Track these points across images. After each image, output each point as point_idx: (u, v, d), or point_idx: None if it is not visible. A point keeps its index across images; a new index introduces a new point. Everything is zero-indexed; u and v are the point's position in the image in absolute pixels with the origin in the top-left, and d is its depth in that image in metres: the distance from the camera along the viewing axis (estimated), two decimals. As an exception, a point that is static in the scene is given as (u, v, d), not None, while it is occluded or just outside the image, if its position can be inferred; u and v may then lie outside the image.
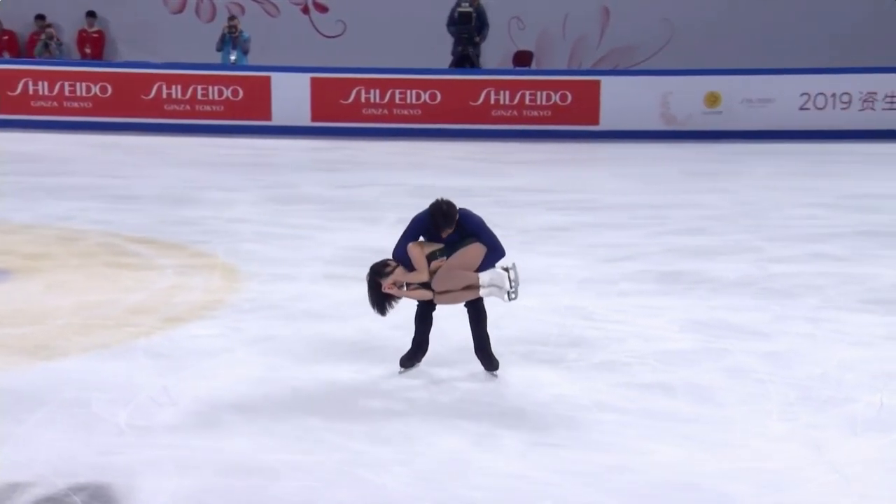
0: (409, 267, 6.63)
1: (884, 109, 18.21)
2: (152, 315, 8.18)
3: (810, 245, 10.07)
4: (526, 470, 5.42)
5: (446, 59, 20.19)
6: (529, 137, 18.48)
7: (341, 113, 19.07)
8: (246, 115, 19.14)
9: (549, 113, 18.82)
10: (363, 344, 7.47)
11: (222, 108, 19.25)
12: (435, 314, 6.79)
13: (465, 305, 6.69)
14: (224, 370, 6.96)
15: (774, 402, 6.16)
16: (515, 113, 18.86)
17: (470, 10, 19.38)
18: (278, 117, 19.15)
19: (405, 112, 19.02)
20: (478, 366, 6.76)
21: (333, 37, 23.33)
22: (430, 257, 6.62)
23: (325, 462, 5.54)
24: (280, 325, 7.92)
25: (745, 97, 18.43)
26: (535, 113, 18.83)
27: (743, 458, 5.45)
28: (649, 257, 9.81)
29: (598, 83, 18.89)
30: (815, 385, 6.44)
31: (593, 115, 18.77)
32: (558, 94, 18.79)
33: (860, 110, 18.24)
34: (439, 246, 6.64)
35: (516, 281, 6.61)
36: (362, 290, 8.79)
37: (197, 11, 23.36)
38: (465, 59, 19.72)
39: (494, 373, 6.73)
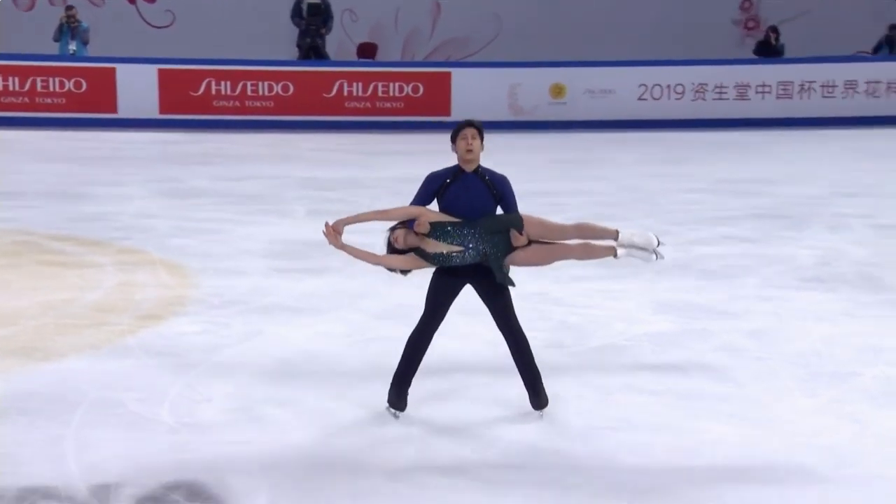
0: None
1: (714, 99, 19.41)
2: (123, 313, 8.05)
3: (715, 228, 10.75)
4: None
5: (280, 51, 20.23)
6: (384, 129, 18.73)
7: (191, 105, 18.80)
8: (90, 107, 18.61)
9: (402, 104, 19.14)
10: (357, 335, 7.64)
11: (64, 100, 18.65)
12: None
13: (501, 331, 5.92)
14: (238, 365, 6.98)
15: (788, 379, 6.57)
16: (369, 104, 19.09)
17: (319, 1, 19.46)
18: (125, 109, 18.72)
19: (258, 104, 18.95)
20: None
21: (162, 27, 22.91)
22: (439, 235, 5.72)
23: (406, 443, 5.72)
24: (262, 319, 7.94)
25: (587, 88, 19.26)
26: (388, 104, 19.11)
27: (797, 433, 5.76)
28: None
29: (448, 75, 19.34)
30: (812, 361, 6.90)
31: (445, 107, 19.20)
32: (410, 86, 19.13)
33: (692, 100, 19.38)
34: (452, 220, 5.75)
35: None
36: (319, 282, 9.05)
37: (15, 0, 22.47)
38: (312, 50, 19.79)
39: (541, 413, 5.95)
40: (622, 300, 8.31)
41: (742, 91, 19.28)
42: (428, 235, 5.72)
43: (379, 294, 8.49)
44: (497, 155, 16.02)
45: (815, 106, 19.16)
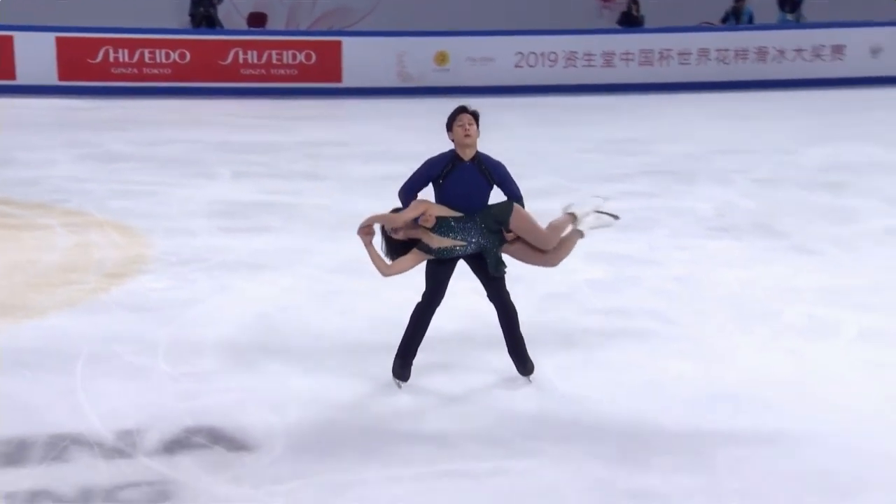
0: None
1: (583, 66, 19.88)
2: (87, 272, 8.08)
3: (614, 185, 11.12)
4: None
5: (173, 20, 19.92)
6: (279, 95, 18.64)
7: (90, 72, 18.35)
8: (-14, 74, 17.99)
9: (296, 72, 19.06)
10: (320, 288, 7.82)
11: (-38, 67, 17.98)
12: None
13: (492, 302, 5.92)
14: (217, 319, 7.10)
15: (724, 320, 7.02)
16: (263, 72, 18.95)
17: (214, -28, 19.22)
18: (23, 76, 18.16)
19: (155, 71, 18.60)
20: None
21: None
22: (443, 230, 5.66)
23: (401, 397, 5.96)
24: (225, 275, 8.07)
25: (469, 56, 19.53)
26: (282, 72, 19.01)
27: (750, 368, 6.18)
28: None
29: (339, 43, 19.34)
30: (739, 302, 7.37)
31: (336, 74, 19.24)
32: (303, 54, 19.04)
33: (564, 67, 19.83)
34: (455, 214, 5.68)
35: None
36: (265, 239, 9.15)
37: None
38: (205, 19, 19.54)
39: (529, 378, 6.00)
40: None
41: (608, 58, 19.77)
42: (432, 230, 5.64)
43: (325, 251, 8.69)
44: (392, 119, 16.51)
45: (673, 72, 19.81)
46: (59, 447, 5.18)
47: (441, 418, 5.62)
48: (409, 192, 5.76)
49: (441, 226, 5.64)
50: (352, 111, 17.83)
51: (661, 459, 5.09)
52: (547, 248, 5.79)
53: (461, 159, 5.69)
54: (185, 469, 5.00)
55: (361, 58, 19.18)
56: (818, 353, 6.50)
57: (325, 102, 18.44)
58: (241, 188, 11.16)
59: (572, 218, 5.95)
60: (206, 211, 10.07)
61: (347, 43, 19.39)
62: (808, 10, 21.30)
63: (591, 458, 5.12)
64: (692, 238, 9.09)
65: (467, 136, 5.64)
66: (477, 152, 5.76)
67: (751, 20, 21.19)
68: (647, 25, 21.29)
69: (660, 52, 19.88)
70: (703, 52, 19.91)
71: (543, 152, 13.23)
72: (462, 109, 5.72)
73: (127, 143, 13.63)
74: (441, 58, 19.50)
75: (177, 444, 5.26)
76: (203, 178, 11.61)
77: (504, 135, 14.88)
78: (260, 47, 18.97)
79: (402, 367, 5.91)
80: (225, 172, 11.87)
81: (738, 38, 20.17)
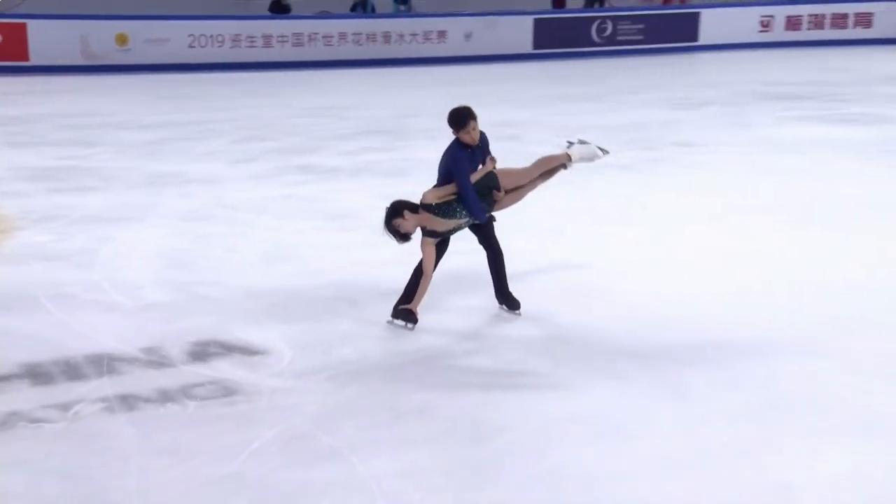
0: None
1: (247, 47, 20.00)
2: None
3: (353, 142, 11.60)
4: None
5: None
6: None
7: None
8: None
9: (-12, 51, 17.58)
10: (186, 233, 7.94)
11: None
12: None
13: (482, 245, 5.87)
14: (124, 262, 7.04)
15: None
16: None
17: None
18: None
19: None
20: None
21: None
22: (447, 213, 5.62)
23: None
24: (95, 227, 7.90)
25: (147, 37, 19.03)
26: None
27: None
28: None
29: (24, 25, 18.07)
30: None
31: (23, 53, 17.98)
32: (-6, 35, 17.61)
33: (231, 48, 19.88)
34: (452, 196, 5.62)
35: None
36: (100, 196, 8.95)
37: None
38: None
39: (517, 312, 5.90)
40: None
41: (267, 40, 20.18)
42: (436, 215, 5.61)
43: (159, 204, 8.71)
44: (71, 94, 15.72)
45: (321, 52, 20.58)
46: (105, 364, 5.15)
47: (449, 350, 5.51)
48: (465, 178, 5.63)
49: (443, 209, 5.63)
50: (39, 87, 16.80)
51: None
52: (531, 178, 5.85)
53: (468, 145, 5.72)
54: (228, 370, 5.08)
55: (47, 38, 18.11)
56: (742, 278, 6.71)
57: (11, 80, 17.19)
58: (20, 156, 10.57)
59: (567, 158, 5.93)
60: (21, 175, 9.56)
61: (33, 25, 18.16)
62: (417, 3, 22.96)
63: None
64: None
65: (471, 136, 5.66)
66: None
67: (373, 10, 22.46)
68: (294, 13, 21.88)
69: (308, 35, 20.57)
70: (343, 36, 20.85)
71: (262, 119, 13.48)
72: (470, 116, 5.65)
73: None
74: (122, 39, 18.86)
75: (200, 355, 5.27)
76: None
77: (210, 104, 15.02)
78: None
79: (409, 312, 5.71)
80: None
81: (368, 25, 21.18)
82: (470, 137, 5.67)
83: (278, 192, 9.15)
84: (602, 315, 5.91)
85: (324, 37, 20.70)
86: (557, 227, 7.78)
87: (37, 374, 5.06)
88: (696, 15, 23.32)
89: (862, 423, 4.52)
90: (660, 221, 8.00)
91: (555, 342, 5.53)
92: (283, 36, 20.34)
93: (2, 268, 6.83)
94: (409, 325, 5.70)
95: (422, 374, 5.11)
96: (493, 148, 5.86)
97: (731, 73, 18.72)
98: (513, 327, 5.75)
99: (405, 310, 5.71)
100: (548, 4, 24.66)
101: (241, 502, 3.89)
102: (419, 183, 6.02)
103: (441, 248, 5.82)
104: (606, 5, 24.85)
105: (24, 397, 4.81)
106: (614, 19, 22.81)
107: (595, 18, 22.82)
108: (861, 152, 10.80)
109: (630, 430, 4.46)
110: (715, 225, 7.86)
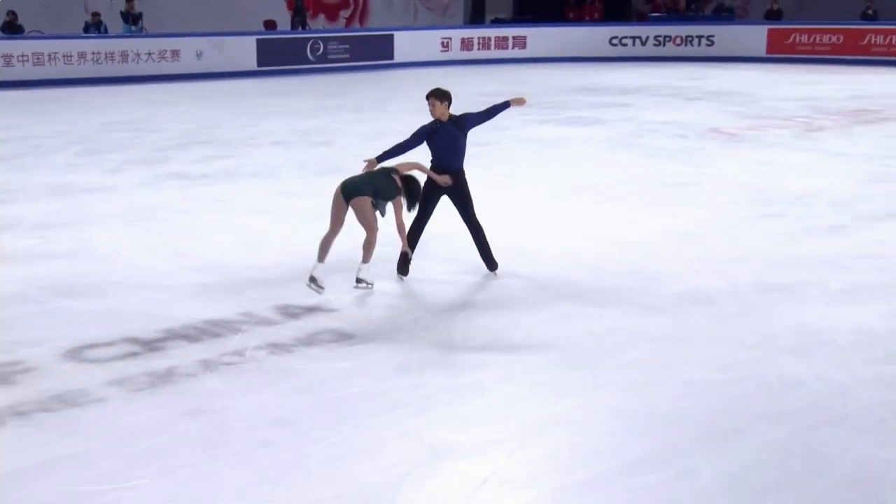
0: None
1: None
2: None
3: (187, 152, 11.99)
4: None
5: None
6: None
7: None
8: None
9: None
10: (148, 236, 8.42)
11: None
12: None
13: (465, 222, 6.79)
14: (108, 255, 7.52)
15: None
16: None
17: None
18: None
19: None
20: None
21: None
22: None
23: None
24: (76, 229, 8.27)
25: None
26: None
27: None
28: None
29: None
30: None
31: None
32: None
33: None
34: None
35: None
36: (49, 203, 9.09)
37: None
38: None
39: (495, 272, 6.89)
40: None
41: (8, 60, 19.40)
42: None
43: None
44: None
45: (59, 70, 20.06)
46: (149, 344, 5.59)
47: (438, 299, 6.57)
48: (401, 148, 6.55)
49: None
50: None
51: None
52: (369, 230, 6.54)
53: (441, 122, 6.60)
54: (261, 335, 5.72)
55: None
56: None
57: None
58: None
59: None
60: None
61: None
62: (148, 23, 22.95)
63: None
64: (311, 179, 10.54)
65: (432, 112, 6.61)
66: (450, 115, 6.65)
67: (106, 30, 22.12)
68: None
69: (49, 55, 20.04)
70: (82, 55, 20.49)
71: (79, 132, 13.49)
72: (428, 96, 6.60)
73: None
74: None
75: (225, 326, 5.86)
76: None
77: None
78: None
79: (404, 264, 6.76)
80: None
81: (106, 45, 20.91)
82: (432, 112, 6.57)
83: (181, 195, 9.67)
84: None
85: (64, 55, 20.24)
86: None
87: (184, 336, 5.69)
88: (391, 37, 25.66)
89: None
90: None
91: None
92: (23, 55, 19.69)
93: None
94: (401, 277, 6.78)
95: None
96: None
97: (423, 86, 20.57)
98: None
99: (400, 263, 6.80)
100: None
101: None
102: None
103: (424, 217, 6.76)
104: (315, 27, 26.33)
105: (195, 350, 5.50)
106: (325, 40, 24.46)
107: (308, 39, 24.31)
108: (605, 144, 12.86)
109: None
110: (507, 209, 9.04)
